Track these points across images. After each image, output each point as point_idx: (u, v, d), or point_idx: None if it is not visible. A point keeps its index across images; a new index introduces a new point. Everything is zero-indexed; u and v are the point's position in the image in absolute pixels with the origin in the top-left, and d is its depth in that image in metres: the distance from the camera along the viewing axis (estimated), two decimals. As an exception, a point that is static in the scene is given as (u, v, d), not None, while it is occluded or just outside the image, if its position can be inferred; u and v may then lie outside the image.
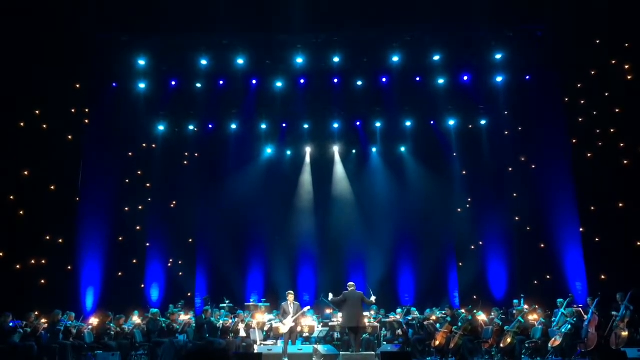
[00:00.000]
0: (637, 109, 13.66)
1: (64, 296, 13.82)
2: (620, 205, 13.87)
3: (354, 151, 17.59)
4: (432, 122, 17.03)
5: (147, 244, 16.18)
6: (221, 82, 16.23)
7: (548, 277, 15.12)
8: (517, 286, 14.93)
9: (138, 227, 16.10)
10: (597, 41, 14.38)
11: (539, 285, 15.15)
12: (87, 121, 15.40)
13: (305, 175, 17.21)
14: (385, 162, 17.22)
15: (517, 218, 16.08)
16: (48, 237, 14.09)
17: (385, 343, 12.95)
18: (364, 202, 17.01)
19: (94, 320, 12.97)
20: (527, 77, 15.94)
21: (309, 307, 12.89)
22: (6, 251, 13.23)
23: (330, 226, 16.90)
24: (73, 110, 14.97)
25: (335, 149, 17.39)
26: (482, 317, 12.93)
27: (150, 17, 13.94)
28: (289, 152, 17.44)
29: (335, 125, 17.09)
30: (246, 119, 16.87)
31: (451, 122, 16.79)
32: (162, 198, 16.55)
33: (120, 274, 15.49)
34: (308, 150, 17.30)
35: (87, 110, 15.40)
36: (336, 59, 15.47)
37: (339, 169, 17.34)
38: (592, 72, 14.72)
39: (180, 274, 16.36)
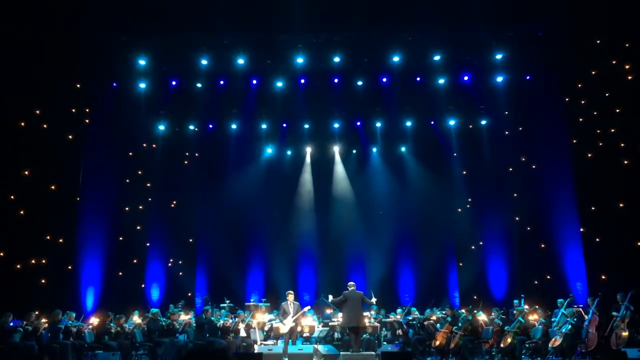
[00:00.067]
0: (638, 109, 13.66)
1: (64, 296, 13.82)
2: (621, 205, 13.86)
3: (354, 151, 17.60)
4: (432, 122, 17.04)
5: (148, 244, 16.20)
6: (221, 82, 16.23)
7: (548, 277, 15.12)
8: (518, 286, 14.95)
9: (138, 227, 16.11)
10: (598, 41, 14.39)
11: (539, 285, 15.17)
12: (87, 121, 15.40)
13: (305, 175, 17.23)
14: (385, 162, 17.23)
15: (517, 218, 16.09)
16: (48, 237, 14.08)
17: (385, 343, 12.96)
18: (364, 202, 17.02)
19: (94, 320, 12.97)
20: (528, 77, 15.94)
21: (309, 307, 12.89)
22: (6, 251, 13.23)
23: (330, 226, 16.91)
24: (73, 110, 14.97)
25: (336, 149, 17.40)
26: (482, 317, 12.93)
27: (150, 17, 13.93)
28: (289, 152, 17.45)
29: (336, 125, 17.11)
30: (246, 118, 16.88)
31: (451, 122, 16.80)
32: (162, 198, 16.56)
33: (120, 273, 15.50)
34: (308, 150, 17.32)
35: (87, 110, 15.39)
36: (337, 59, 15.46)
37: (339, 169, 17.35)
38: (593, 72, 14.72)
39: (181, 273, 16.37)
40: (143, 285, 15.93)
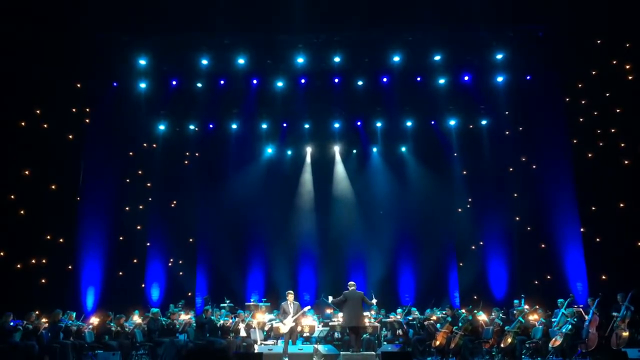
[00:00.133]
0: (638, 109, 13.65)
1: (65, 295, 13.82)
2: (621, 205, 13.86)
3: (354, 151, 17.60)
4: (432, 122, 17.04)
5: (148, 244, 16.21)
6: (222, 82, 16.24)
7: (548, 277, 15.12)
8: (518, 286, 14.94)
9: (138, 227, 16.12)
10: (598, 41, 14.39)
11: (539, 285, 15.16)
12: (87, 121, 15.40)
13: (305, 175, 17.23)
14: (385, 162, 17.24)
15: (517, 218, 16.08)
16: (48, 237, 14.08)
17: (385, 343, 12.95)
18: (364, 202, 17.02)
19: (94, 320, 12.98)
20: (528, 77, 15.94)
21: (309, 307, 12.89)
22: (7, 251, 13.22)
23: (330, 226, 16.91)
24: (73, 110, 14.97)
25: (336, 149, 17.40)
26: (482, 317, 12.93)
27: (150, 17, 13.93)
28: (289, 152, 17.46)
29: (336, 125, 17.11)
30: (247, 118, 16.89)
31: (452, 122, 16.80)
32: (162, 198, 16.57)
33: (120, 273, 15.50)
34: (309, 150, 17.32)
35: (87, 110, 15.40)
36: (337, 59, 15.47)
37: (339, 168, 17.35)
38: (593, 72, 14.72)
39: (181, 273, 16.38)
40: (143, 285, 15.93)
